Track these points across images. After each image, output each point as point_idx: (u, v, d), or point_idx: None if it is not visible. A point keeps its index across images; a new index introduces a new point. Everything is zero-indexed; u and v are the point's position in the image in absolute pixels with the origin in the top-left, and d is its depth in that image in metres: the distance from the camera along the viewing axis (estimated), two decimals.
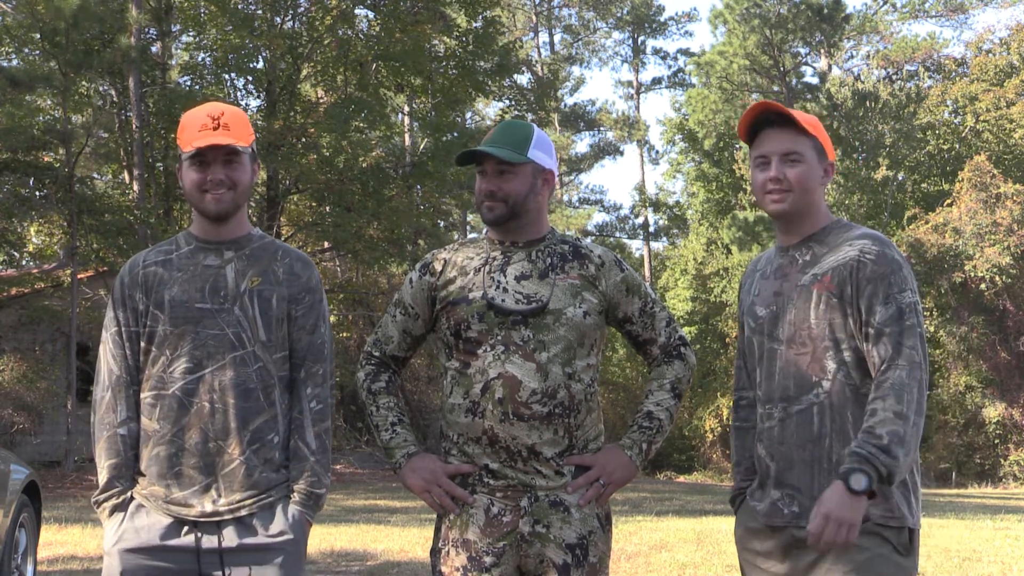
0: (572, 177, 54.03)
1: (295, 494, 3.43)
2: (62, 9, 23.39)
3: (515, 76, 39.88)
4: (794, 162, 3.40)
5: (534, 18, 53.47)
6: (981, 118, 42.10)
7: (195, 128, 3.43)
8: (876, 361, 3.21)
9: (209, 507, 3.36)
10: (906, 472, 3.15)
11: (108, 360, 3.46)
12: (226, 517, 3.36)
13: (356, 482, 22.76)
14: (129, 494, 3.38)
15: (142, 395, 3.45)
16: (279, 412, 3.45)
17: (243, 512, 3.37)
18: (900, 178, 41.39)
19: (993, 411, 37.51)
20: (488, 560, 3.42)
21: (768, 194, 3.44)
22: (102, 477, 3.40)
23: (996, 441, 37.56)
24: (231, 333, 3.41)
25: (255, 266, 3.50)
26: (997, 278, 37.07)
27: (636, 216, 53.88)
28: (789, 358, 3.36)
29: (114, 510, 3.36)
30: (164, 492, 3.38)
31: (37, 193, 24.36)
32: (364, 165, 30.15)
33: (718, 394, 37.83)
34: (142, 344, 3.45)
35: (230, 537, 3.36)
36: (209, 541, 3.36)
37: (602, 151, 55.37)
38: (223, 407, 3.38)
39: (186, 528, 3.37)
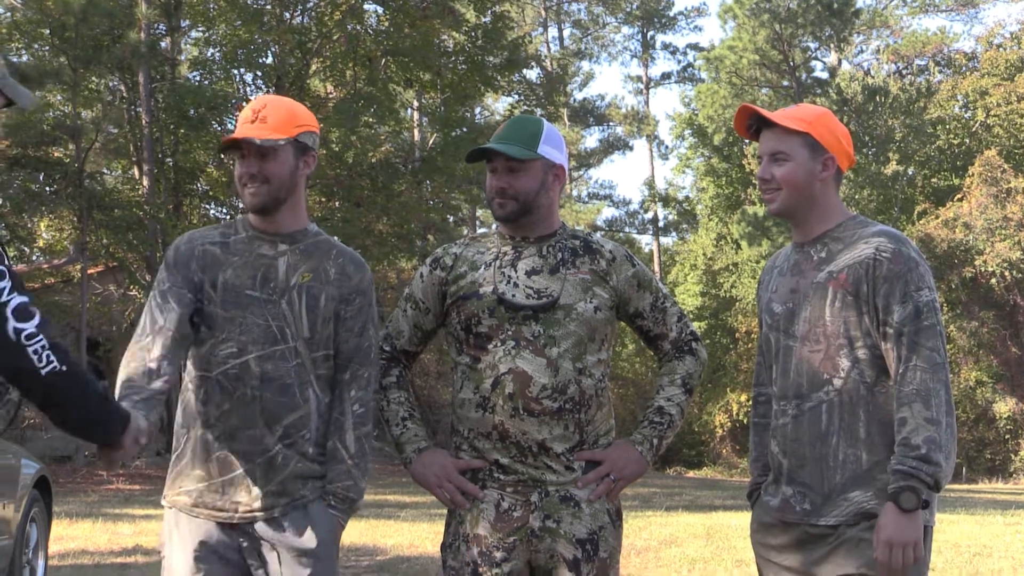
0: (581, 172, 54.11)
1: (330, 496, 3.41)
2: (71, 4, 23.47)
3: (524, 71, 39.82)
4: (781, 161, 3.41)
5: (543, 13, 53.50)
6: (992, 113, 42.07)
7: (241, 121, 3.45)
8: (894, 361, 3.21)
9: (245, 498, 3.35)
10: (951, 475, 3.16)
11: (153, 312, 3.37)
12: (259, 517, 3.35)
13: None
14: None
15: (190, 375, 3.44)
16: (312, 410, 3.42)
17: (276, 513, 3.36)
18: (910, 173, 41.38)
19: (1004, 406, 37.54)
20: (499, 555, 3.43)
21: (763, 193, 3.49)
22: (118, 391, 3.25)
23: (1007, 436, 37.60)
24: (275, 326, 3.39)
25: (307, 262, 3.48)
26: (1008, 273, 37.12)
27: (646, 211, 53.98)
28: (803, 355, 3.35)
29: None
30: (200, 484, 3.36)
31: (47, 188, 24.46)
32: (373, 160, 30.26)
33: (728, 389, 37.88)
34: (192, 315, 3.40)
35: (263, 537, 3.36)
36: (241, 537, 3.36)
37: (611, 146, 55.46)
38: (259, 397, 3.36)
39: (221, 527, 3.36)
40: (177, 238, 3.58)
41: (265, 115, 3.41)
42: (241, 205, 3.58)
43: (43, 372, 2.73)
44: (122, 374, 3.27)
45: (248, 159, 3.41)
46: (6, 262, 2.76)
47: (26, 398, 2.83)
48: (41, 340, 2.72)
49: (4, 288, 2.72)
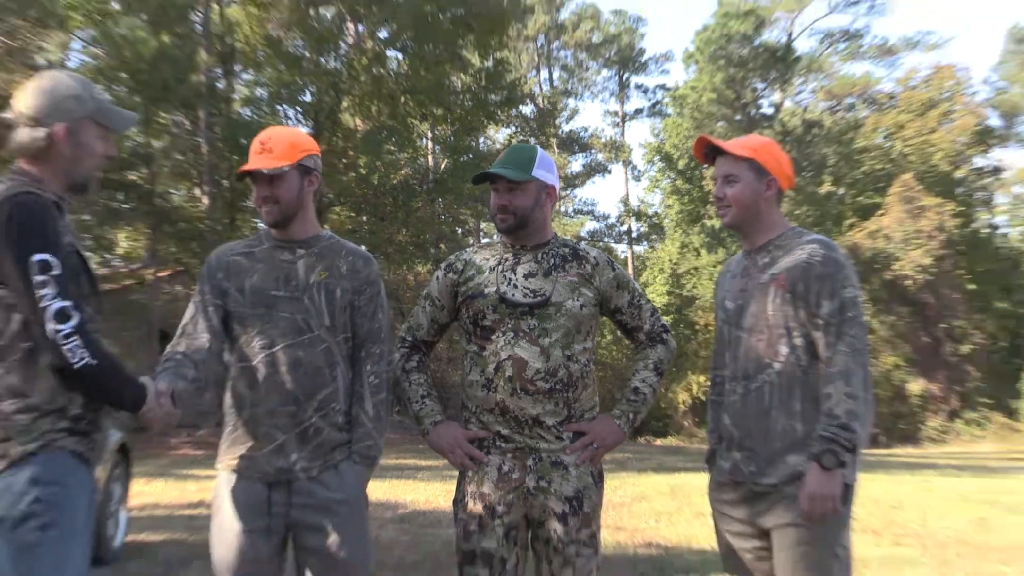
0: (568, 192, 53.78)
1: (355, 455, 3.41)
2: (143, 54, 23.54)
3: (520, 107, 39.83)
4: (732, 182, 3.43)
5: (536, 58, 53.30)
6: (907, 143, 42.16)
7: (252, 152, 3.45)
8: (823, 347, 3.23)
9: (285, 462, 3.35)
10: (867, 440, 3.18)
11: (186, 319, 3.43)
12: (299, 477, 3.35)
13: (388, 445, 22.77)
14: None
15: (233, 364, 3.44)
16: (340, 386, 3.42)
17: (315, 471, 3.36)
18: (841, 192, 41.42)
19: (915, 386, 37.80)
20: (500, 509, 3.44)
21: (717, 209, 3.51)
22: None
23: (917, 410, 37.83)
24: (299, 319, 3.39)
25: (322, 262, 3.47)
26: (920, 276, 37.42)
27: (621, 224, 53.76)
28: (750, 344, 3.37)
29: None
30: (249, 450, 3.37)
31: (124, 205, 24.50)
32: (394, 182, 30.15)
33: (689, 372, 37.87)
34: (224, 318, 3.43)
35: (301, 492, 3.36)
36: (284, 494, 3.36)
37: (593, 170, 55.19)
38: (294, 379, 3.35)
39: (265, 485, 3.37)
40: (212, 253, 3.60)
41: (271, 146, 3.42)
42: None
43: (76, 366, 2.75)
44: (165, 357, 3.34)
45: (260, 185, 3.42)
46: (53, 272, 2.77)
47: (67, 387, 2.85)
48: (75, 339, 2.74)
49: (48, 294, 2.74)
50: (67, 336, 2.72)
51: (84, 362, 2.73)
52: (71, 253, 2.91)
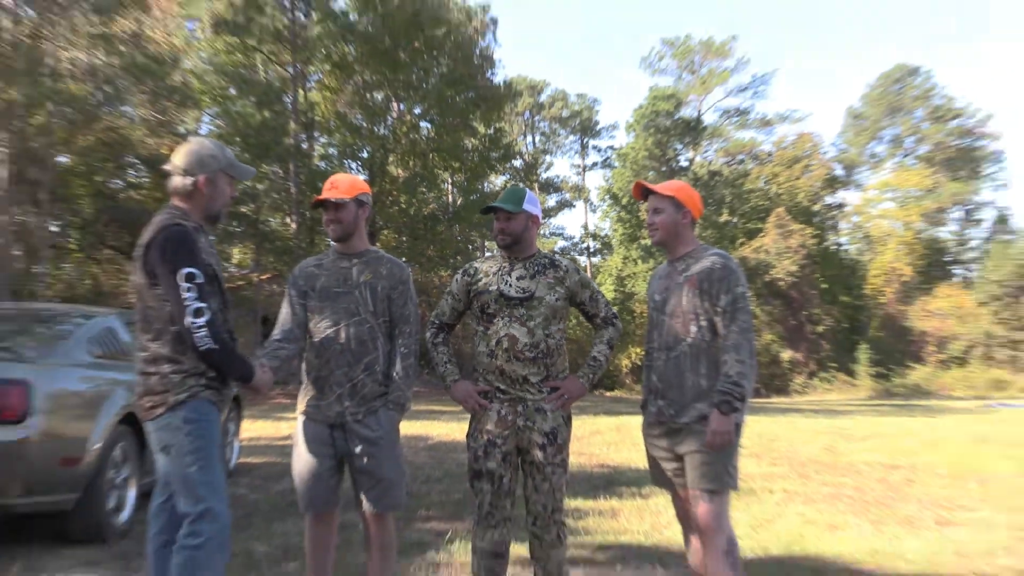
0: (546, 220, 53.72)
1: (390, 403, 3.41)
2: (251, 124, 23.49)
3: (512, 161, 39.91)
4: (658, 213, 3.42)
5: (524, 127, 53.31)
6: (780, 187, 42.26)
7: (324, 189, 3.47)
8: (722, 328, 3.24)
9: (340, 409, 3.35)
10: (751, 393, 3.19)
11: (282, 313, 3.48)
12: (349, 420, 3.36)
13: (419, 396, 22.86)
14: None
15: (309, 341, 3.44)
16: (380, 353, 3.41)
17: (361, 416, 3.37)
18: (734, 220, 41.41)
19: (786, 355, 37.85)
20: (499, 441, 3.44)
21: (648, 232, 3.50)
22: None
23: (787, 371, 37.85)
24: (353, 307, 3.40)
25: (369, 268, 3.48)
26: (788, 278, 37.53)
27: (582, 243, 53.69)
28: (671, 325, 3.37)
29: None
30: (316, 400, 3.38)
31: (238, 229, 24.54)
32: (425, 213, 30.19)
33: (630, 345, 37.77)
34: (305, 310, 3.44)
35: (352, 431, 3.36)
36: (340, 432, 3.37)
37: (563, 205, 55.02)
38: (348, 349, 3.36)
39: (327, 426, 3.38)
40: (297, 264, 3.62)
41: (337, 185, 3.45)
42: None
43: (202, 348, 2.85)
44: (268, 343, 3.41)
45: (328, 211, 3.44)
46: (196, 280, 2.87)
47: (200, 361, 2.95)
48: (204, 330, 2.84)
49: (190, 297, 2.84)
50: (199, 328, 2.83)
51: (207, 346, 2.84)
52: (207, 266, 2.97)
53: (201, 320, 2.83)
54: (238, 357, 2.99)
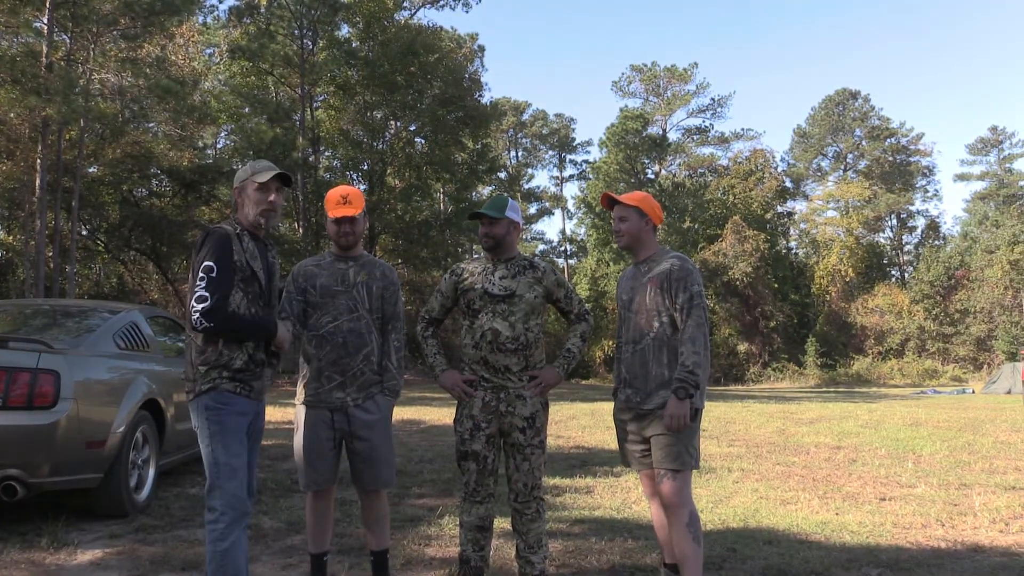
0: (527, 226, 53.82)
1: (385, 389, 3.40)
2: (263, 139, 23.36)
3: (498, 174, 39.92)
4: (624, 221, 3.39)
5: (508, 143, 53.41)
6: (736, 197, 42.42)
7: (334, 202, 3.40)
8: (680, 323, 3.21)
9: (341, 395, 3.33)
10: (705, 381, 3.17)
11: (283, 303, 3.42)
12: (349, 404, 3.34)
13: (412, 384, 22.81)
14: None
15: (308, 335, 3.40)
16: (375, 346, 3.40)
17: (360, 401, 3.35)
18: (695, 227, 41.56)
19: (742, 347, 38.03)
20: (483, 424, 3.41)
21: (616, 238, 3.46)
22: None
23: (743, 362, 38.03)
24: (351, 304, 3.38)
25: (364, 270, 3.46)
26: (744, 278, 37.61)
27: (560, 246, 53.93)
28: (636, 320, 3.34)
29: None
30: (318, 388, 3.35)
31: None
32: (419, 219, 30.19)
33: (602, 339, 37.97)
34: (301, 304, 3.40)
35: (351, 415, 3.34)
36: (341, 415, 3.35)
37: (543, 213, 55.24)
38: (345, 342, 3.34)
39: (328, 410, 3.35)
40: (296, 266, 3.57)
41: (351, 200, 3.41)
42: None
43: (198, 328, 2.90)
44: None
45: (344, 224, 3.41)
46: (212, 274, 2.89)
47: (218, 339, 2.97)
48: (198, 313, 2.88)
49: (201, 286, 2.91)
50: (195, 311, 2.88)
51: (202, 325, 2.88)
52: (244, 266, 3.00)
53: (199, 305, 2.85)
54: (248, 321, 2.98)
